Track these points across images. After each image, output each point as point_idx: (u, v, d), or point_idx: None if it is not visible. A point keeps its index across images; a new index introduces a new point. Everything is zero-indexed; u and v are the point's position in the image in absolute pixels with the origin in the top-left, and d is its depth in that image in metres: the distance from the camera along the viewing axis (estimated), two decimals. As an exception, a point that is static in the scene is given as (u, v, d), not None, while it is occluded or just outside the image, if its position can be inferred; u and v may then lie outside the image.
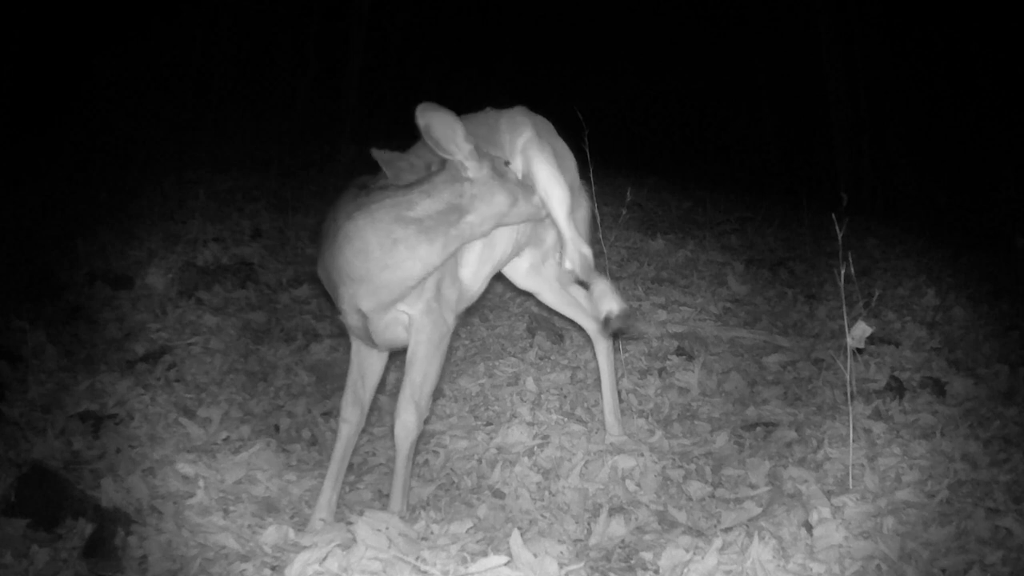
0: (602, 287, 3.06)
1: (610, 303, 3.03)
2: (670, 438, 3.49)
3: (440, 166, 2.76)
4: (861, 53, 11.20)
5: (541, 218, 3.01)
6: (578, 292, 3.45)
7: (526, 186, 2.92)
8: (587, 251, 3.07)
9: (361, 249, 2.66)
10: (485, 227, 2.82)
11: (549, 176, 2.99)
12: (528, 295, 3.60)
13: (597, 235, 4.43)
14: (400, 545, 2.48)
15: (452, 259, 2.86)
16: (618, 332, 3.02)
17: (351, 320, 2.81)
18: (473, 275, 3.00)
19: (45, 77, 8.78)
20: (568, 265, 3.09)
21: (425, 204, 2.69)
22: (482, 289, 3.12)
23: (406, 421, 2.80)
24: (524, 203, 2.87)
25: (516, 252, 3.23)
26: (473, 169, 2.73)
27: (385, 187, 2.77)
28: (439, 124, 2.67)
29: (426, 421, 3.66)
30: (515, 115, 3.15)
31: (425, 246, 2.68)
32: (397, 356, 3.09)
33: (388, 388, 3.89)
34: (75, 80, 9.06)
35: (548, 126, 3.25)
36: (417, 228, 2.67)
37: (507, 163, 2.91)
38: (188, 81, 10.23)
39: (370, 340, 2.86)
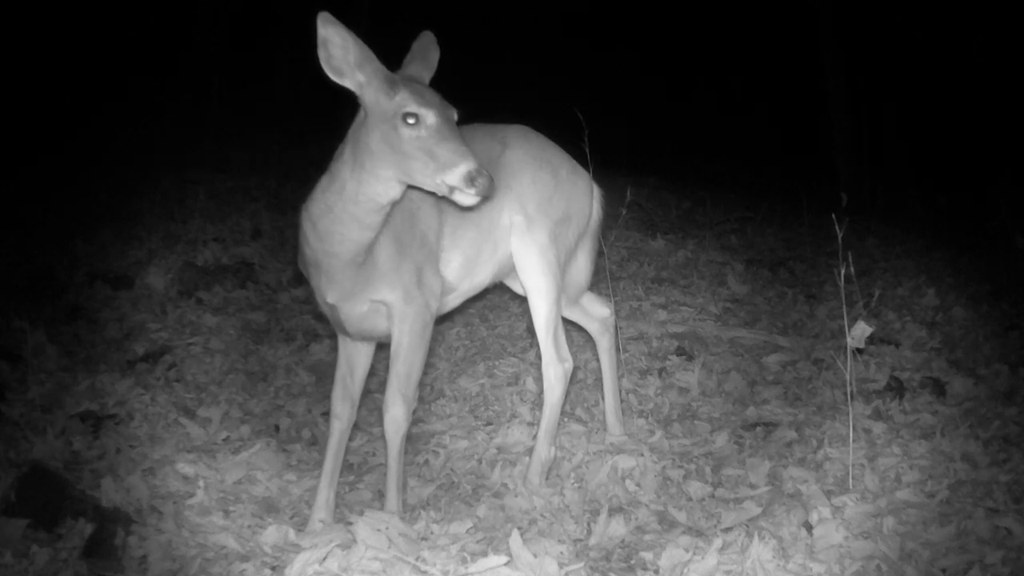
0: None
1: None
2: (670, 438, 3.49)
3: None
4: (861, 53, 11.20)
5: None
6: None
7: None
8: (556, 372, 3.13)
9: (304, 235, 2.65)
10: (381, 187, 2.51)
11: (535, 287, 3.04)
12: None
13: (597, 235, 4.44)
14: (400, 545, 2.48)
15: (431, 249, 2.82)
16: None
17: (325, 311, 2.81)
18: (456, 278, 2.95)
19: (45, 77, 8.78)
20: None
21: (324, 182, 2.62)
22: (455, 304, 3.09)
23: (395, 415, 2.78)
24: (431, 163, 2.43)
25: (495, 280, 3.20)
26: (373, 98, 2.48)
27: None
28: (337, 39, 2.42)
29: (426, 421, 3.68)
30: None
31: (343, 225, 2.56)
32: (385, 353, 3.08)
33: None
34: (75, 80, 9.06)
35: (545, 142, 3.19)
36: (324, 208, 2.57)
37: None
38: (188, 81, 10.23)
39: (344, 330, 2.84)
